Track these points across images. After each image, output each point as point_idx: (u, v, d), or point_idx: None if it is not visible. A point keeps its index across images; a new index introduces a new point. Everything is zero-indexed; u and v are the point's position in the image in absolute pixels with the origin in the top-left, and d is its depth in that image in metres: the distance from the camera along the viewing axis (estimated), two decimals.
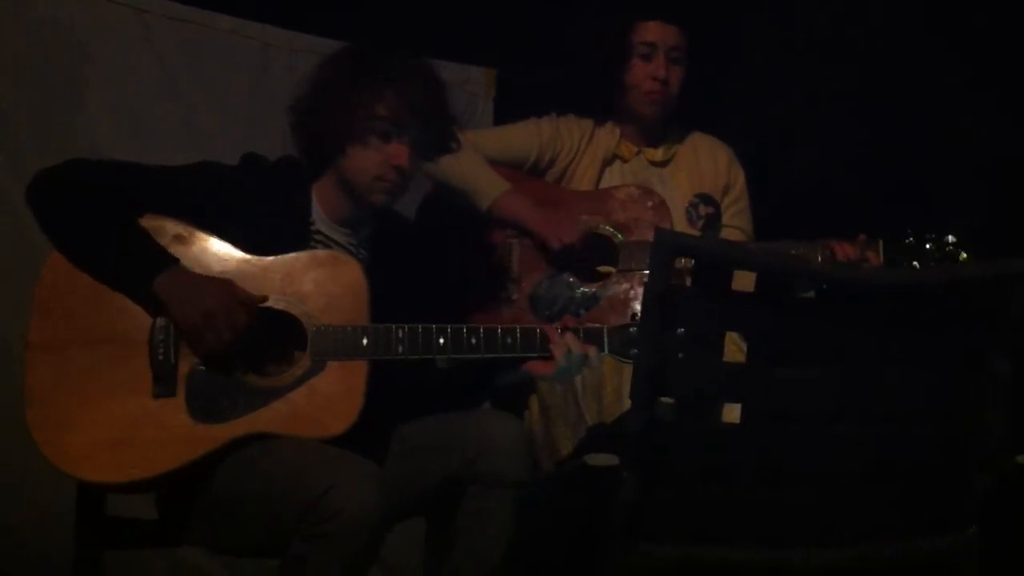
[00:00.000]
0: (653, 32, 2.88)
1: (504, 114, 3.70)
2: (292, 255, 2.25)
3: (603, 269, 2.89)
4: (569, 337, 2.29)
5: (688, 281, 1.73)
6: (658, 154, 2.99)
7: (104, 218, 2.19)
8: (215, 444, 2.14)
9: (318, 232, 2.35)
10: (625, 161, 2.98)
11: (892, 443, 1.76)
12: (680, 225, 2.90)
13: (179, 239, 2.22)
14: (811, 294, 1.75)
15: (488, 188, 2.82)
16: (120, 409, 2.14)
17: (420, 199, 2.88)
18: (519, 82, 3.77)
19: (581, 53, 3.02)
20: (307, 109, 2.34)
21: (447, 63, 2.66)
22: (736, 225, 2.98)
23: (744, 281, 1.69)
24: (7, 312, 2.71)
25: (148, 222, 2.21)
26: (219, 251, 2.23)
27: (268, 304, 2.22)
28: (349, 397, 2.18)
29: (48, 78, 3.15)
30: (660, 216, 2.87)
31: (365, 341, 2.22)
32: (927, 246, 2.76)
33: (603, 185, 2.95)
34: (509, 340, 2.26)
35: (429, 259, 2.54)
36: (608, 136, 2.97)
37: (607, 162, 2.97)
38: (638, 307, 2.76)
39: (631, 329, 2.30)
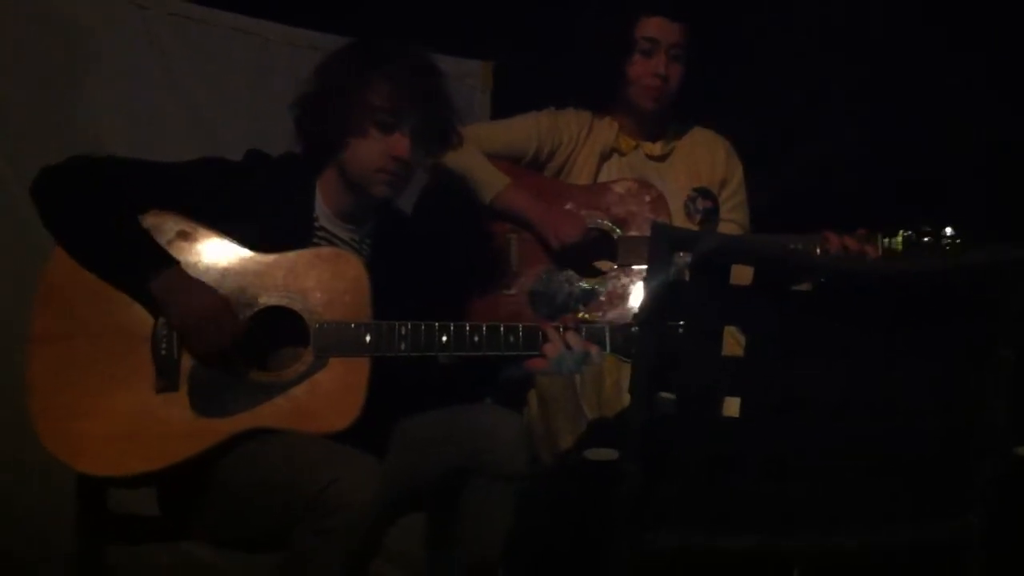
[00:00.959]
0: (655, 28, 2.88)
1: (501, 107, 3.70)
2: (295, 252, 2.26)
3: (602, 264, 2.90)
4: (571, 335, 2.30)
5: (687, 275, 1.73)
6: (656, 148, 3.00)
7: (105, 216, 2.19)
8: (217, 439, 2.15)
9: (321, 228, 2.36)
10: (623, 155, 2.98)
11: (895, 434, 1.75)
12: (678, 219, 2.90)
13: (183, 235, 2.23)
14: (809, 287, 1.76)
15: (489, 183, 2.82)
16: (122, 403, 2.15)
17: (418, 193, 2.88)
18: (516, 75, 3.77)
19: (581, 46, 3.03)
20: (311, 102, 2.35)
21: (444, 57, 2.65)
22: (733, 219, 2.99)
23: (743, 274, 1.70)
24: (10, 305, 2.72)
25: (152, 218, 2.22)
26: (222, 247, 2.24)
27: (271, 301, 2.23)
28: (351, 393, 2.19)
29: (50, 74, 3.15)
30: (658, 210, 2.87)
31: (368, 338, 2.22)
32: (925, 239, 2.77)
33: (601, 179, 2.95)
34: (512, 338, 2.27)
35: (429, 253, 2.55)
36: (606, 130, 2.97)
37: (605, 156, 2.97)
38: (637, 303, 2.77)
39: (633, 329, 2.31)
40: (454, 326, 2.25)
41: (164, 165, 2.31)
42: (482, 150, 2.84)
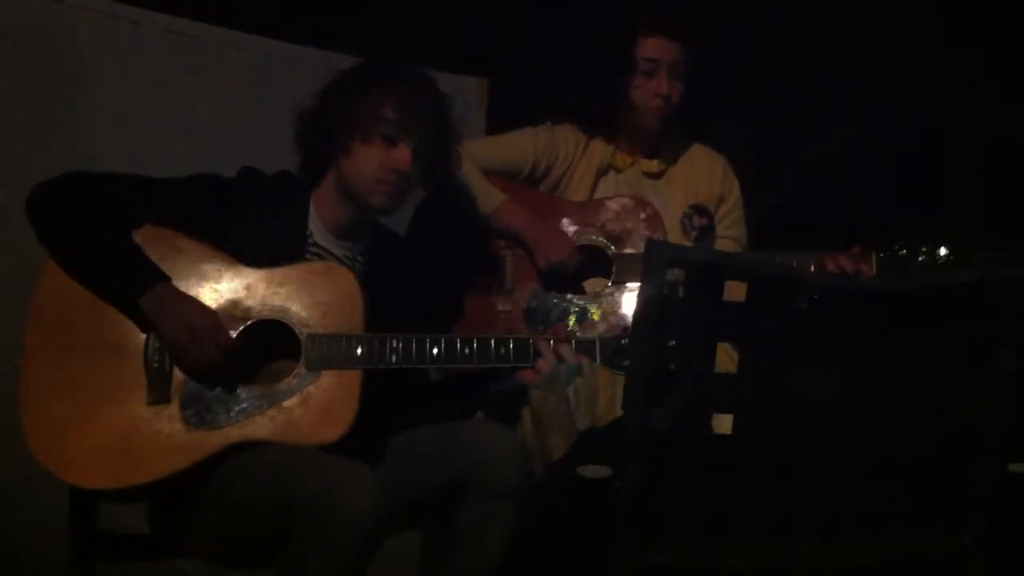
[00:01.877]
0: (654, 48, 2.87)
1: (497, 123, 3.71)
2: (287, 266, 2.27)
3: (595, 283, 2.90)
4: (563, 348, 2.30)
5: (681, 292, 1.73)
6: (653, 165, 2.99)
7: (98, 232, 2.20)
8: (209, 451, 2.15)
9: (315, 245, 2.37)
10: (620, 171, 2.98)
11: (895, 439, 1.75)
12: (674, 236, 2.90)
13: (176, 250, 2.23)
14: (804, 305, 1.76)
15: (485, 199, 2.83)
16: (115, 416, 2.15)
17: (413, 209, 2.89)
18: (512, 92, 3.78)
19: (579, 65, 3.03)
20: (314, 116, 2.37)
21: (441, 74, 2.66)
22: (730, 236, 2.98)
23: (737, 292, 1.70)
24: (4, 319, 2.72)
25: (146, 233, 2.23)
26: (215, 262, 2.24)
27: (263, 314, 2.23)
28: (343, 405, 2.20)
29: (46, 90, 3.16)
30: (653, 227, 2.87)
31: (359, 350, 2.23)
32: (920, 259, 2.77)
33: (597, 195, 2.95)
34: (502, 351, 2.28)
35: (422, 269, 2.55)
36: (603, 146, 2.98)
37: (602, 172, 2.97)
38: (630, 320, 2.76)
39: (622, 341, 2.32)
40: (445, 339, 2.26)
41: (158, 181, 2.32)
42: (478, 166, 2.85)
